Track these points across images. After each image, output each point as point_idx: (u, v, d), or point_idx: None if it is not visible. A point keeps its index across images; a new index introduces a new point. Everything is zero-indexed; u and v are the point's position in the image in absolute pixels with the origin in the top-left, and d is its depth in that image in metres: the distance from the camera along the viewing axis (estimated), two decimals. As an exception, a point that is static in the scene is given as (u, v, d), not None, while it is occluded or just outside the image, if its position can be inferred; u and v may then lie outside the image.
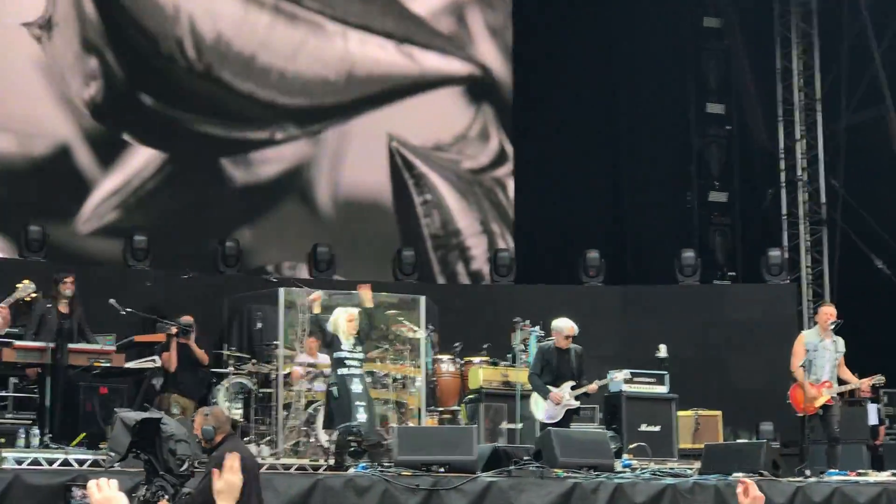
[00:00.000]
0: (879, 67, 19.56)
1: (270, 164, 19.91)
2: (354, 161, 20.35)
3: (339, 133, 20.38)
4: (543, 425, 13.30)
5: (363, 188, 20.46)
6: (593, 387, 13.62)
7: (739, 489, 5.41)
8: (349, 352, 12.80)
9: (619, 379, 14.14)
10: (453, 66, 21.11)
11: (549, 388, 13.38)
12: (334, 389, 12.62)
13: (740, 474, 12.03)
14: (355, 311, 13.04)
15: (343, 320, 12.89)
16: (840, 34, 20.30)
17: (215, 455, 9.25)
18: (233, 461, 5.06)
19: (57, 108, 18.48)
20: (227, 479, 5.02)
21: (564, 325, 13.60)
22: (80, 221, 18.53)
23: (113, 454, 10.10)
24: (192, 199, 19.27)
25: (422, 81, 20.90)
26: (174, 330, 13.88)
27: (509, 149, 21.25)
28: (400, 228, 20.56)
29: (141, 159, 18.98)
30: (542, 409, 13.52)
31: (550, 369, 13.51)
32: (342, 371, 12.69)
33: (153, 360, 13.96)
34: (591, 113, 21.41)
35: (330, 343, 12.87)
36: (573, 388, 13.44)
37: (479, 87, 21.31)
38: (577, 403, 13.49)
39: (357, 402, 12.55)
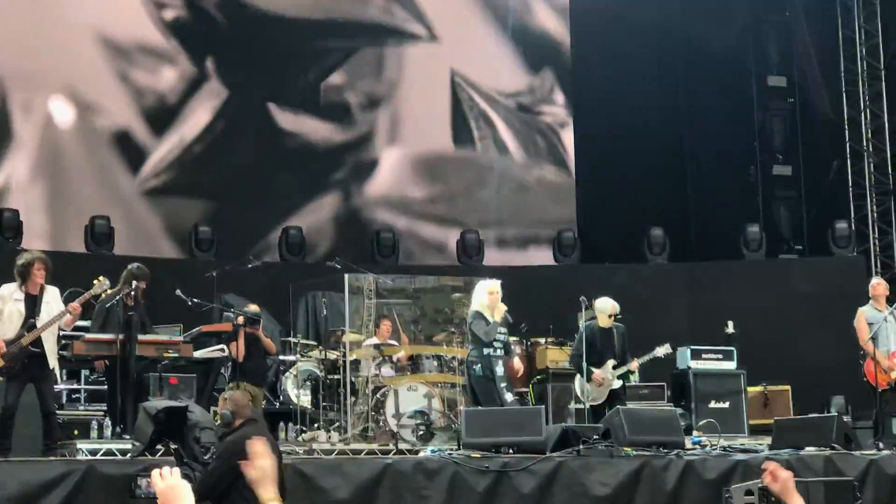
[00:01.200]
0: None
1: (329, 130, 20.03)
2: (417, 93, 20.48)
3: (398, 55, 20.57)
4: (590, 407, 13.34)
5: (426, 142, 20.57)
6: (634, 364, 13.65)
7: (767, 478, 5.37)
8: (495, 331, 12.73)
9: (660, 354, 13.97)
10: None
11: (592, 369, 13.43)
12: (477, 367, 12.63)
13: (812, 449, 11.95)
14: (497, 284, 12.98)
15: (486, 293, 12.82)
16: (903, 1, 20.06)
17: (228, 440, 9.10)
18: (257, 446, 5.06)
19: (118, 88, 18.70)
20: (260, 466, 5.04)
21: (606, 305, 13.66)
22: (138, 183, 18.75)
23: (137, 444, 10.18)
24: (247, 161, 19.47)
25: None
26: (241, 320, 13.94)
27: (569, 119, 21.22)
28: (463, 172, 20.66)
29: (193, 122, 19.20)
30: (584, 390, 13.57)
31: (595, 349, 13.54)
32: (487, 351, 12.66)
33: (221, 350, 14.04)
34: (652, 89, 21.32)
35: (480, 320, 12.72)
36: (615, 367, 13.45)
37: (539, 54, 21.28)
38: (619, 383, 13.51)
39: (502, 385, 12.64)
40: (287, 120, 19.72)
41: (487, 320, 12.73)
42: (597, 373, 13.43)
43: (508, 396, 12.66)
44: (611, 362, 13.48)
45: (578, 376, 13.69)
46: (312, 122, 19.87)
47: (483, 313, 12.76)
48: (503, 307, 12.85)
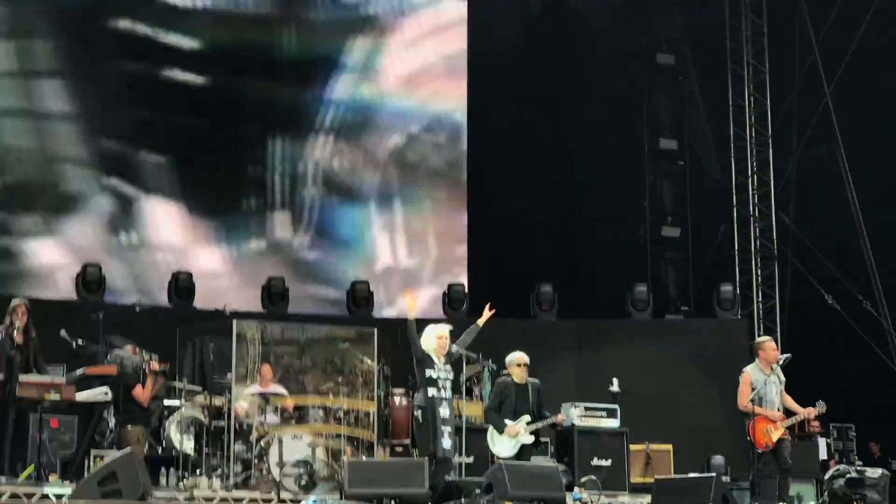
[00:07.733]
0: (829, 104, 19.82)
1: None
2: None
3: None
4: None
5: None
6: (562, 417, 13.90)
7: None
8: (440, 370, 12.61)
9: (575, 414, 14.22)
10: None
11: (506, 421, 13.51)
12: (419, 413, 12.45)
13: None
14: (446, 329, 12.85)
15: (434, 337, 12.68)
16: (791, 71, 20.56)
17: None
18: None
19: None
20: None
21: (513, 357, 13.89)
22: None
23: None
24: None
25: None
26: (157, 366, 13.89)
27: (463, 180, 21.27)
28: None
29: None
30: (497, 443, 13.64)
31: (509, 404, 13.64)
32: (432, 392, 12.48)
33: (105, 393, 13.87)
34: (545, 147, 21.46)
35: (420, 360, 12.56)
36: (528, 423, 13.55)
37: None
38: (532, 438, 13.60)
39: (442, 427, 12.44)
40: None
41: (433, 361, 12.63)
42: (511, 426, 13.54)
43: (446, 442, 12.42)
44: (525, 418, 13.59)
45: (491, 429, 13.76)
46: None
47: (430, 355, 12.64)
48: (445, 347, 12.69)
